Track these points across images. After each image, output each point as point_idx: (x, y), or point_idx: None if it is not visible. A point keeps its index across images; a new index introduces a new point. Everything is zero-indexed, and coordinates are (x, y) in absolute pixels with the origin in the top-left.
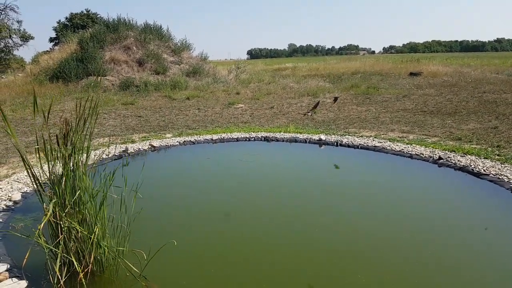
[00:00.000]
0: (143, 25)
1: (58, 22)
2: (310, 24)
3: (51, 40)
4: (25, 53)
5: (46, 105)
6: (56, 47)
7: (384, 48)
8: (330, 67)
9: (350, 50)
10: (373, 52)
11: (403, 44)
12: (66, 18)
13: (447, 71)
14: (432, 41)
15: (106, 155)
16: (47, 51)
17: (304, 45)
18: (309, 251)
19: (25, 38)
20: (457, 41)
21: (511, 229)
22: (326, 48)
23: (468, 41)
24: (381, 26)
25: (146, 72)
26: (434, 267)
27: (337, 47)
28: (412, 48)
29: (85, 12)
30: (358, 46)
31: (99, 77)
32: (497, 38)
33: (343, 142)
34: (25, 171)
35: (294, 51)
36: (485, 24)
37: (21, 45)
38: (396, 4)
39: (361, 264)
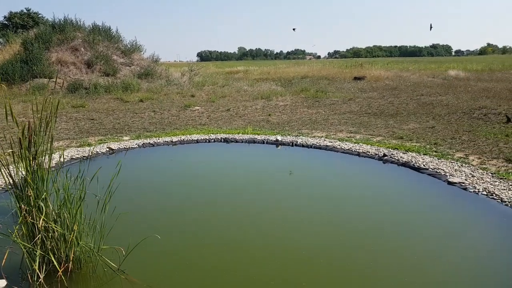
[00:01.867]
0: (91, 26)
1: None
2: (258, 28)
3: None
4: None
5: None
6: None
7: (329, 53)
8: (280, 71)
9: (297, 55)
10: (319, 56)
11: (347, 49)
12: (5, 17)
13: (389, 75)
14: (374, 46)
15: (64, 158)
16: None
17: (254, 48)
18: (278, 242)
19: None
20: (396, 46)
21: (449, 214)
22: (275, 52)
23: (406, 46)
24: (325, 32)
25: (96, 74)
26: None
27: (285, 51)
28: (355, 53)
29: (25, 11)
30: (304, 51)
31: (49, 80)
32: (433, 44)
33: (298, 142)
34: None
35: (244, 55)
36: (421, 30)
37: None
38: (339, 10)
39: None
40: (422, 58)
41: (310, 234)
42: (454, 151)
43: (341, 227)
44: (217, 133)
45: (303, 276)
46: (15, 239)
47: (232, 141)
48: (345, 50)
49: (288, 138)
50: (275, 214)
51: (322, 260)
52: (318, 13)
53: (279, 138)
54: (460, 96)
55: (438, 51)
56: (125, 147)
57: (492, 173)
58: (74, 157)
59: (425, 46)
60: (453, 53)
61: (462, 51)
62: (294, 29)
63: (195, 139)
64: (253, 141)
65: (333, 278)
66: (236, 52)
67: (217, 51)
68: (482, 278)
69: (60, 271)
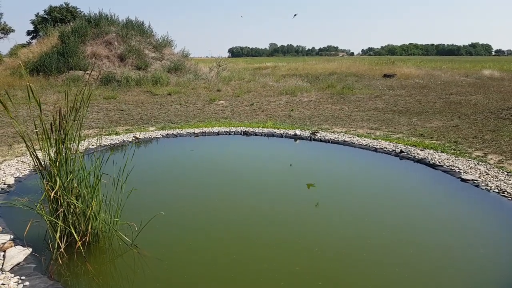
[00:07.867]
0: (124, 20)
1: (36, 15)
2: (291, 24)
3: (28, 33)
4: (1, 46)
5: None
6: (34, 40)
7: (362, 50)
8: (308, 67)
9: (329, 51)
10: (352, 53)
11: (381, 46)
12: (45, 11)
13: (419, 74)
14: (410, 44)
15: (92, 145)
16: (24, 44)
17: (285, 45)
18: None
19: (6, 31)
20: (433, 44)
21: (456, 209)
22: (307, 49)
23: (444, 45)
24: (360, 28)
25: (128, 67)
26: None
27: (317, 48)
28: (390, 50)
29: (64, 5)
30: (337, 47)
31: (84, 72)
32: (472, 43)
33: (316, 137)
34: (15, 159)
35: (275, 51)
36: (460, 29)
37: (1, 38)
38: (374, 6)
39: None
40: (460, 57)
41: (318, 226)
42: (473, 149)
43: (345, 220)
44: (238, 126)
45: (306, 262)
46: (39, 211)
47: (251, 134)
48: (379, 47)
49: (307, 133)
50: (280, 204)
51: (328, 251)
52: (354, 9)
53: (298, 132)
54: (491, 96)
55: (477, 50)
56: (150, 136)
57: (507, 172)
58: (101, 144)
59: (464, 45)
60: (493, 53)
61: (503, 50)
62: (295, 15)
63: (216, 131)
64: (272, 135)
65: (340, 268)
66: (267, 48)
67: (248, 47)
68: (484, 270)
69: (79, 242)
